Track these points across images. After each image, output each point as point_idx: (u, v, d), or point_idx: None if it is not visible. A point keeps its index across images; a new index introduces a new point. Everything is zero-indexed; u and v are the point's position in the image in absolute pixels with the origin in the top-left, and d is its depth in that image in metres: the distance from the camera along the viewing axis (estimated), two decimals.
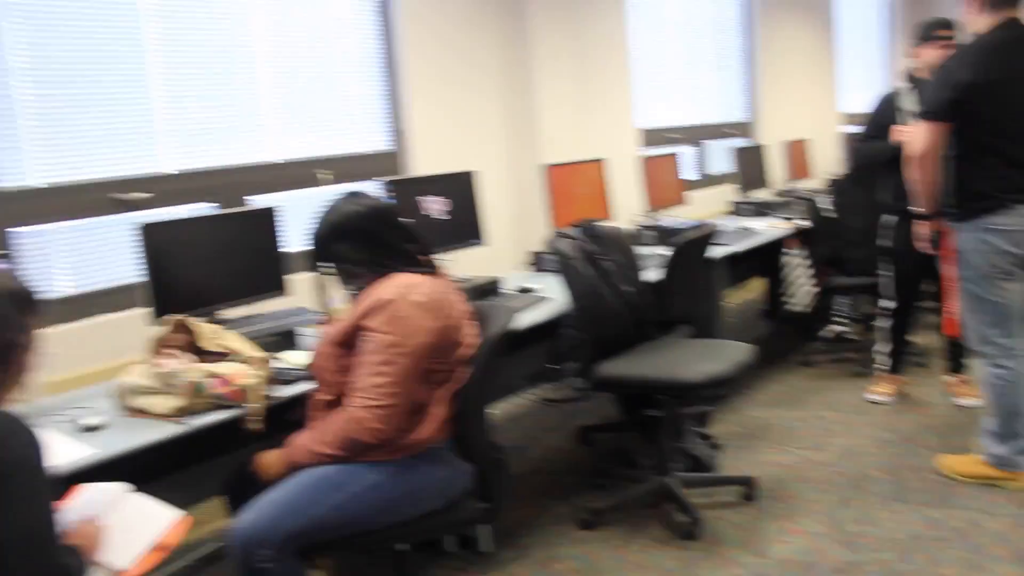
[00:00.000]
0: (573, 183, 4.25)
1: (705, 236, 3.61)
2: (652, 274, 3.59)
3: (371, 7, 4.22)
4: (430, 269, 2.35)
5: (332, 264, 2.35)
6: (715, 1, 6.81)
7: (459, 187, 3.80)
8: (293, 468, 2.21)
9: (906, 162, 3.13)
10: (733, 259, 4.54)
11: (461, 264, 3.75)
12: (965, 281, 3.14)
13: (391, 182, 3.48)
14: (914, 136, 3.15)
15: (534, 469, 3.83)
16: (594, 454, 3.94)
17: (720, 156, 6.58)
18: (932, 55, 3.74)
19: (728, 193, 6.06)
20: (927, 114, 3.08)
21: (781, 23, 7.59)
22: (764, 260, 5.15)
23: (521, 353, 3.62)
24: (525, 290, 3.62)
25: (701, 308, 3.88)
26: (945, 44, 3.80)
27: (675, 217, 5.03)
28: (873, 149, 4.10)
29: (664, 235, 4.36)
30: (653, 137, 5.94)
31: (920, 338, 4.90)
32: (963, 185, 3.09)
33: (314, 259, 2.38)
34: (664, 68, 6.23)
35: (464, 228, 3.80)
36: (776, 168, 6.49)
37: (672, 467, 3.28)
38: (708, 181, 6.43)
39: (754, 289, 5.93)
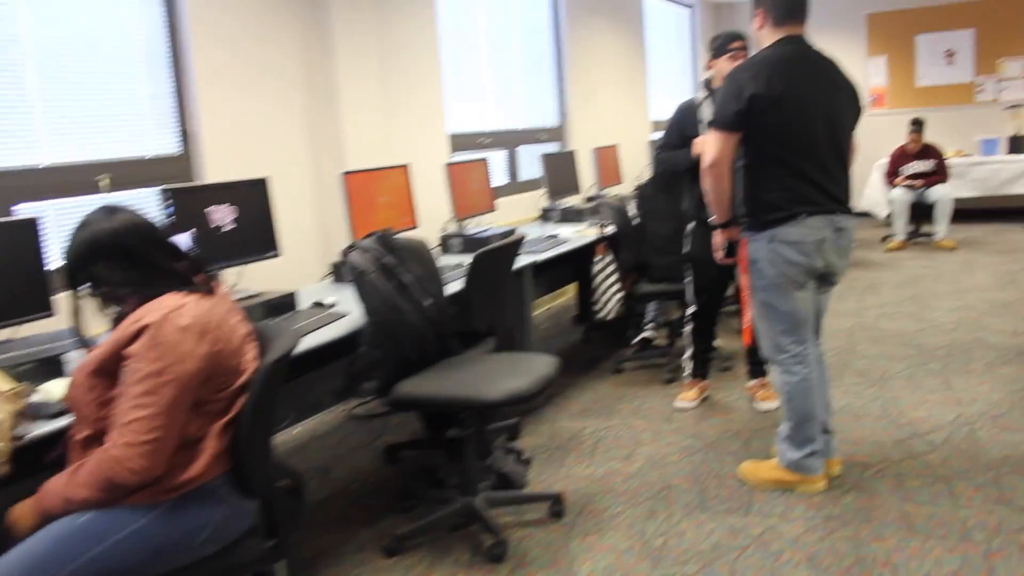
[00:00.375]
0: (375, 191, 4.05)
1: (509, 245, 3.50)
2: (455, 285, 3.45)
3: None
4: (203, 288, 2.11)
5: (88, 286, 2.08)
6: (525, 4, 6.78)
7: (251, 195, 3.52)
8: (47, 518, 1.94)
9: (703, 167, 3.13)
10: (543, 267, 4.48)
11: (254, 278, 3.49)
12: (757, 290, 3.18)
13: (170, 190, 3.17)
14: (706, 146, 3.16)
15: (338, 492, 3.62)
16: (401, 474, 3.76)
17: (531, 162, 6.56)
18: (726, 67, 3.80)
19: (538, 199, 6.04)
20: (717, 124, 3.08)
21: (592, 30, 7.69)
22: (575, 267, 5.14)
23: (324, 369, 3.41)
24: (322, 304, 3.39)
25: (507, 319, 3.77)
26: (737, 56, 3.89)
27: (483, 224, 4.92)
28: (674, 158, 4.14)
29: (470, 244, 4.24)
30: (463, 142, 5.83)
31: (724, 342, 5.02)
32: (754, 195, 3.12)
33: (67, 281, 2.09)
34: (476, 71, 6.13)
35: (257, 239, 3.53)
36: (586, 174, 6.53)
37: (478, 486, 3.16)
38: (519, 187, 6.40)
39: (566, 296, 5.92)
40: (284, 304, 3.33)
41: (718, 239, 3.30)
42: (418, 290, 3.14)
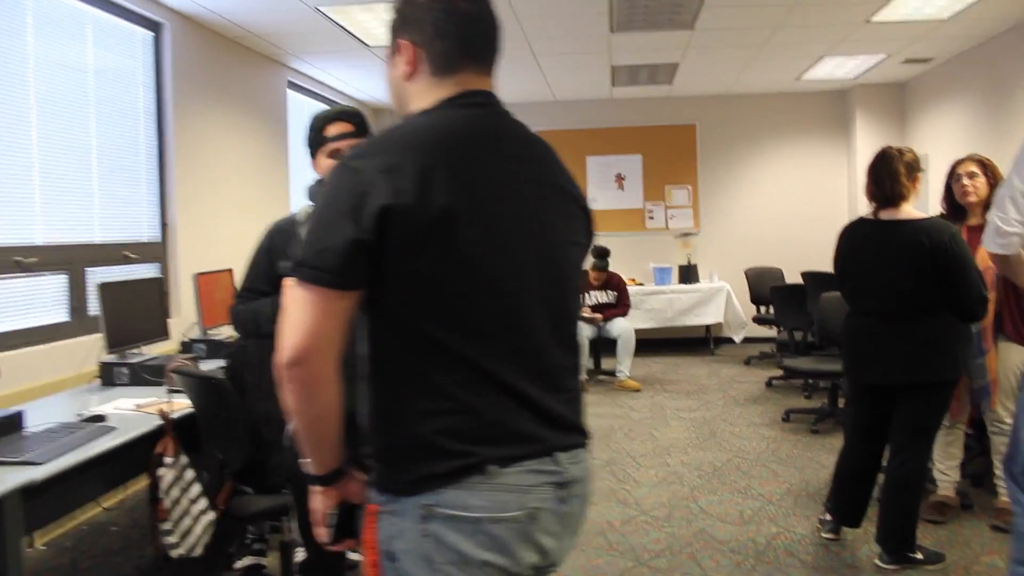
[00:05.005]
0: None
1: None
2: None
3: None
4: None
5: None
6: (109, 85, 4.90)
7: None
8: None
9: (278, 363, 1.44)
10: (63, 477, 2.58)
11: None
12: None
13: None
14: (286, 318, 1.42)
15: None
16: None
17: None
18: (329, 166, 2.26)
19: (95, 350, 4.07)
20: (305, 273, 1.39)
21: (211, 115, 5.95)
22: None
23: None
24: None
25: None
26: (336, 149, 2.45)
27: None
28: (255, 312, 2.50)
29: None
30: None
31: None
32: (389, 424, 1.46)
33: None
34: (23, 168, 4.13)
35: None
36: (185, 307, 4.69)
37: None
38: (88, 326, 4.38)
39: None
40: None
41: (318, 504, 1.62)
42: None
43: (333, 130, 2.54)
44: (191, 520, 3.01)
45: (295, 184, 7.39)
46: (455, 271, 1.39)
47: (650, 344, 9.23)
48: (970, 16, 6.28)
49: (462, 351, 1.40)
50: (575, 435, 1.54)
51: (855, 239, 3.53)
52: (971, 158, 3.98)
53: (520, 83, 8.58)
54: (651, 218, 9.83)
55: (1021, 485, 2.28)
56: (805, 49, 7.42)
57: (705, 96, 9.62)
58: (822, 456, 5.10)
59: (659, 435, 5.81)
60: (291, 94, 7.60)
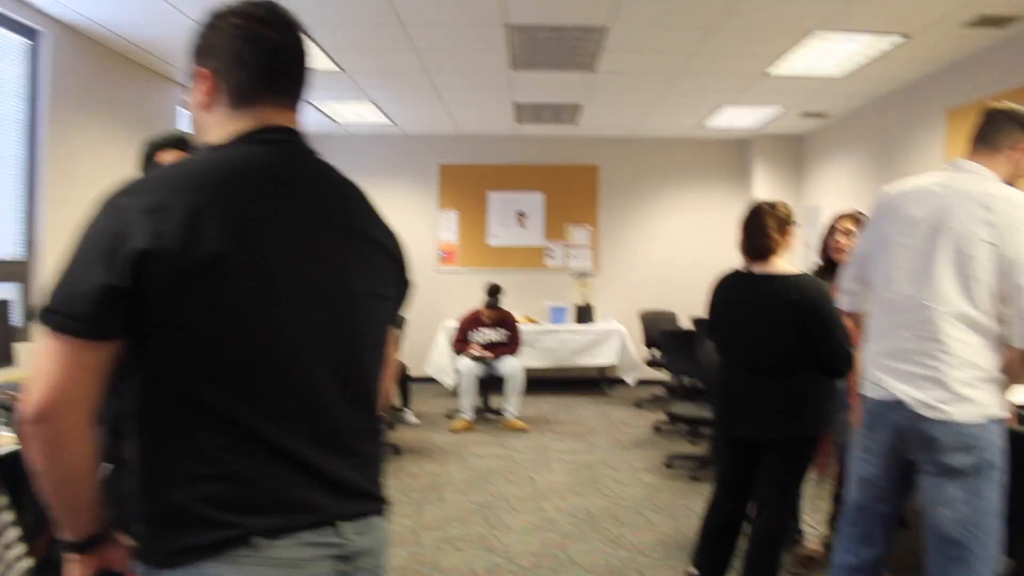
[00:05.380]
0: None
1: None
2: None
3: None
4: None
5: None
6: None
7: None
8: None
9: (21, 418, 1.23)
10: None
11: None
12: None
13: None
14: (38, 366, 1.22)
15: None
16: None
17: None
18: None
19: None
20: (53, 319, 1.21)
21: (89, 126, 5.63)
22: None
23: None
24: None
25: None
26: None
27: None
28: None
29: None
30: None
31: None
32: (150, 488, 1.27)
33: None
34: None
35: None
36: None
37: None
38: None
39: None
40: None
41: (74, 573, 1.35)
42: None
43: (166, 157, 2.33)
44: (3, 567, 2.71)
45: None
46: (223, 324, 1.23)
47: (543, 383, 9.12)
48: (863, 75, 6.43)
49: (230, 411, 1.23)
50: (365, 502, 1.37)
51: (727, 291, 3.49)
52: (849, 214, 4.00)
53: (421, 114, 8.46)
54: (550, 257, 9.78)
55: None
56: (706, 97, 7.50)
57: (609, 138, 9.66)
58: (699, 505, 5.03)
59: (539, 478, 5.67)
60: (184, 113, 7.31)
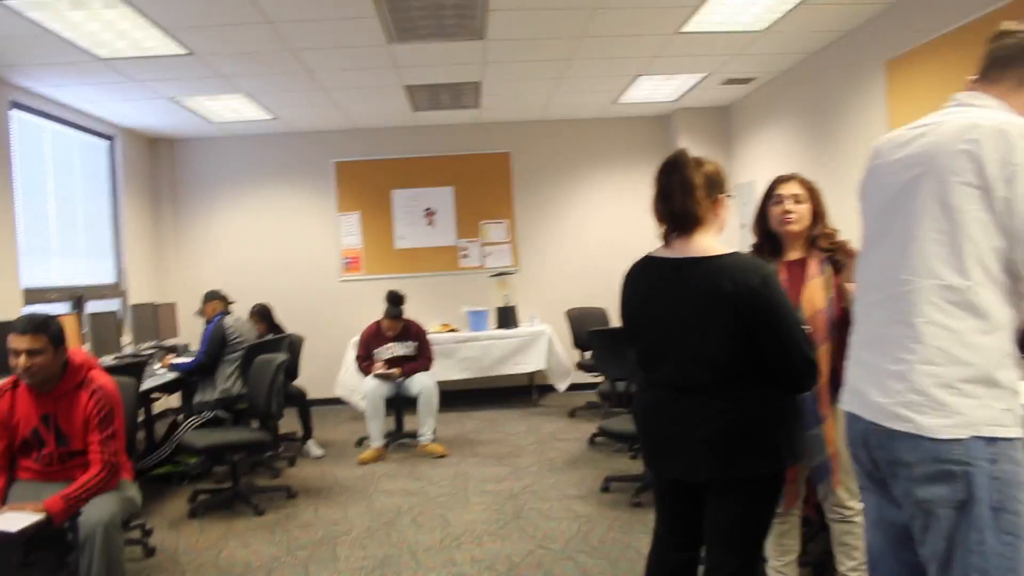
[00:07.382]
0: None
1: None
2: None
3: None
4: None
5: None
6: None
7: None
8: None
9: None
10: None
11: None
12: None
13: None
14: None
15: None
16: None
17: None
18: None
19: None
20: None
21: None
22: None
23: None
24: None
25: None
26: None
27: None
28: None
29: None
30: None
31: None
32: None
33: None
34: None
35: None
36: None
37: None
38: None
39: None
40: None
41: None
42: None
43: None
44: None
45: (22, 218, 6.03)
46: None
47: (466, 397, 8.27)
48: (787, 28, 5.69)
49: None
50: None
51: (640, 285, 2.61)
52: (796, 177, 3.16)
53: (305, 106, 7.51)
54: (465, 256, 8.90)
55: None
56: (616, 66, 6.70)
57: (518, 122, 8.82)
58: (641, 541, 4.20)
59: (453, 519, 4.79)
60: (21, 116, 6.26)
